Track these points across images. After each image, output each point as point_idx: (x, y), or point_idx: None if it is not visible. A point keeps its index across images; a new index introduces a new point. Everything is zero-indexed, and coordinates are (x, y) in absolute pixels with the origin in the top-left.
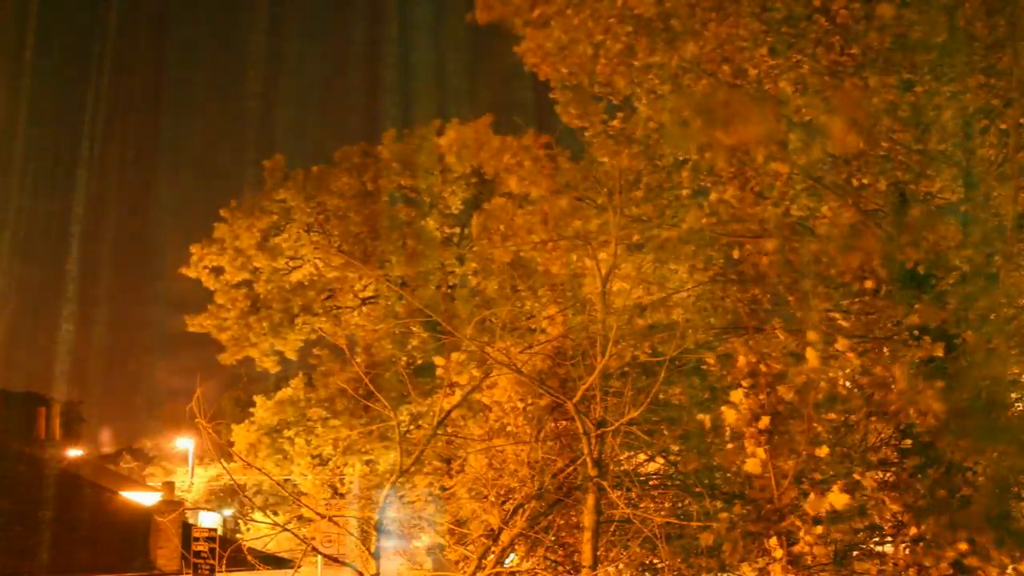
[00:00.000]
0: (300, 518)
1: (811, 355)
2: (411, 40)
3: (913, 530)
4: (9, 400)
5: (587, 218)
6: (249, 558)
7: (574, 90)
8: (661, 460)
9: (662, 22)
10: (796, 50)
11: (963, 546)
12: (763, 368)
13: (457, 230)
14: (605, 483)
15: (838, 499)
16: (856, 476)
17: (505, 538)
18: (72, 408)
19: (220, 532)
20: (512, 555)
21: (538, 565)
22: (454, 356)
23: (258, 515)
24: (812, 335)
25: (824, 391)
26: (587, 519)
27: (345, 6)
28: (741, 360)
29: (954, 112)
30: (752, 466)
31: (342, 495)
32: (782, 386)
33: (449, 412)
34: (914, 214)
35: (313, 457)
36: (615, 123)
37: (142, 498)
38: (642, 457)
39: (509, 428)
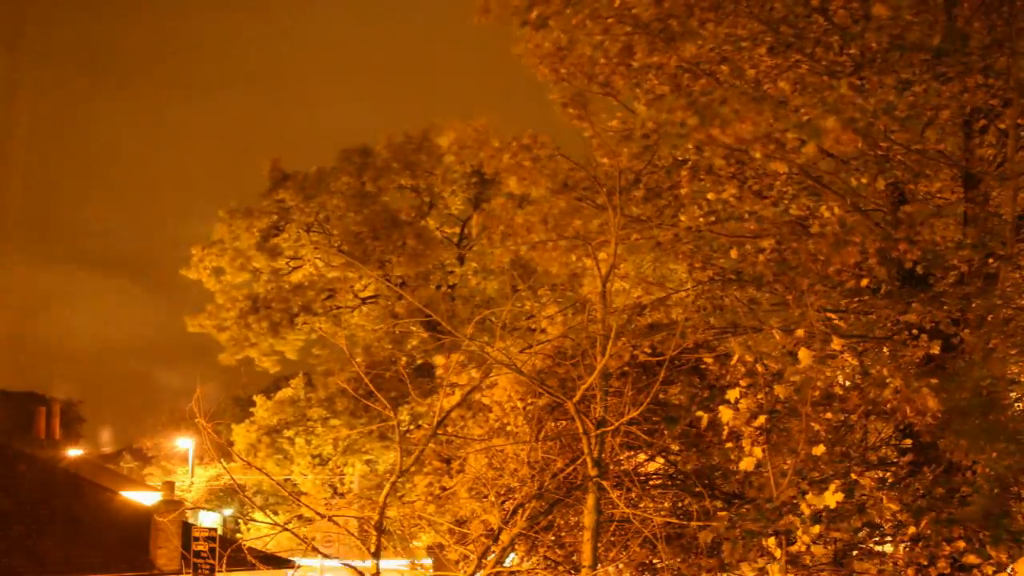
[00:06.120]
0: (300, 518)
1: (803, 354)
2: (411, 39)
3: (912, 529)
4: (9, 400)
5: (587, 218)
6: (249, 558)
7: (572, 91)
8: (661, 460)
9: (660, 22)
10: (795, 50)
11: (961, 544)
12: (760, 368)
13: (457, 230)
14: (605, 483)
15: (832, 498)
16: (854, 476)
17: (505, 538)
18: (72, 408)
19: (220, 532)
20: (512, 555)
21: (538, 565)
22: (454, 356)
23: (258, 515)
24: (800, 333)
25: (821, 390)
26: (587, 519)
27: (345, 5)
28: (736, 359)
29: (953, 112)
30: (747, 464)
31: (342, 495)
32: (779, 385)
33: (449, 412)
34: (907, 210)
35: (313, 457)
36: (614, 123)
37: (142, 498)
38: (642, 457)
39: (509, 428)
